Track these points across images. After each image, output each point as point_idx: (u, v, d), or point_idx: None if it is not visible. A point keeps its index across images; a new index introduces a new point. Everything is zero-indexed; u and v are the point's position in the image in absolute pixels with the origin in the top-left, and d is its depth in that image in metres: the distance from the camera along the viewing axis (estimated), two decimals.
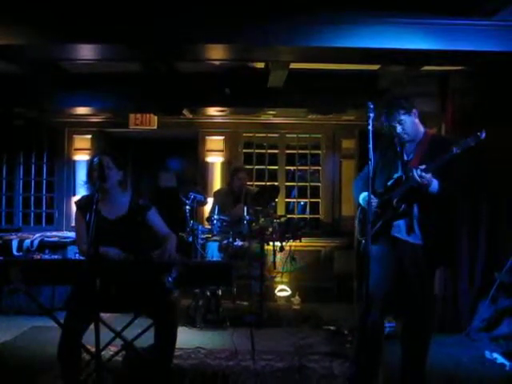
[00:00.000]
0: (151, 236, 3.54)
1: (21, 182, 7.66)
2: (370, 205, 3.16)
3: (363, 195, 3.55)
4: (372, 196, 3.31)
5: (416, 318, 3.46)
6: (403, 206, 3.37)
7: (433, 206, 3.33)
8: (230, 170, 6.79)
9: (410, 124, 3.40)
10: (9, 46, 3.76)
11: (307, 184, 7.86)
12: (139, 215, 3.47)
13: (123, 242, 3.32)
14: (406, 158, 3.48)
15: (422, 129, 3.49)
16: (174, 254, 3.34)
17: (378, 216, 3.44)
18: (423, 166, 3.23)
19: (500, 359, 4.44)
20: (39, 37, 3.75)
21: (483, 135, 3.09)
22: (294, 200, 7.89)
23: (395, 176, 3.43)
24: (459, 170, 3.29)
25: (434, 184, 3.24)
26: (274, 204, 6.18)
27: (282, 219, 6.38)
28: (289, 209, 7.85)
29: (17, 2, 3.63)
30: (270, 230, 5.94)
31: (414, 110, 3.42)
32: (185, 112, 6.81)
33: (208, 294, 5.50)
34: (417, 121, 3.46)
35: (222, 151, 7.64)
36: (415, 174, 3.20)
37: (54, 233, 6.75)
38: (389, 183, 3.46)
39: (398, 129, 3.39)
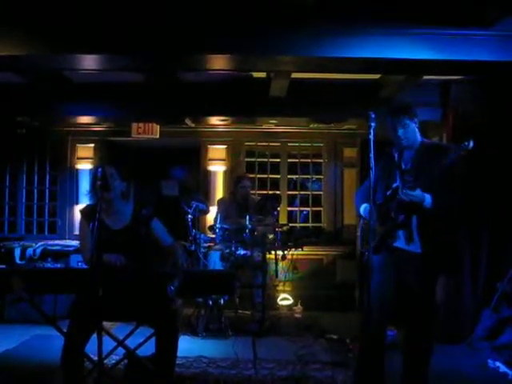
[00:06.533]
0: (154, 246, 3.55)
1: (24, 190, 7.69)
2: (371, 216, 3.17)
3: (363, 206, 3.59)
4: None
5: (417, 327, 3.45)
6: (401, 217, 3.40)
7: (432, 215, 3.33)
8: (234, 178, 6.81)
9: (411, 130, 3.44)
10: (12, 56, 3.79)
11: (309, 193, 7.88)
12: (143, 226, 3.48)
13: (126, 252, 3.33)
14: (403, 166, 3.50)
15: (419, 138, 3.53)
16: (185, 267, 3.35)
17: (379, 227, 3.46)
18: (398, 182, 3.30)
19: (503, 368, 4.43)
20: (42, 47, 3.77)
21: (471, 144, 3.08)
22: (297, 209, 7.91)
23: (393, 186, 3.44)
24: (455, 181, 3.31)
25: (427, 199, 3.27)
26: (276, 213, 6.19)
27: (284, 228, 6.39)
28: (291, 217, 7.86)
29: (19, 12, 3.67)
30: (272, 238, 5.95)
31: (416, 119, 3.48)
32: (187, 121, 6.85)
33: (210, 302, 5.50)
34: (417, 130, 3.50)
35: (224, 160, 7.67)
36: (401, 195, 3.27)
37: (57, 241, 6.75)
38: (388, 193, 3.47)
39: (400, 132, 3.42)
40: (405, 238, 3.42)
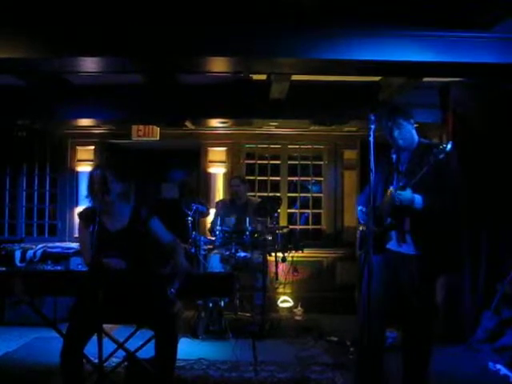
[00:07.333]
0: (155, 247, 3.54)
1: (24, 193, 7.68)
2: (370, 218, 3.18)
3: (359, 209, 3.65)
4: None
5: (416, 329, 3.45)
6: (389, 219, 3.41)
7: (425, 216, 3.32)
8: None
9: (407, 131, 3.46)
10: (12, 59, 3.79)
11: (309, 195, 7.88)
12: (142, 226, 3.46)
13: (126, 254, 3.33)
14: (400, 168, 3.51)
15: (416, 138, 3.54)
16: (186, 266, 3.30)
17: (375, 229, 3.46)
18: (395, 184, 3.33)
19: (503, 370, 4.42)
20: (42, 50, 3.77)
21: (449, 147, 3.11)
22: (297, 211, 7.91)
23: (390, 188, 3.45)
24: (446, 181, 3.31)
25: (418, 200, 3.27)
26: (276, 215, 6.18)
27: (285, 230, 6.39)
28: (291, 219, 7.86)
29: (19, 15, 3.67)
30: (272, 240, 5.95)
31: (412, 120, 3.50)
32: (187, 123, 6.84)
33: (210, 305, 5.50)
34: (413, 131, 3.52)
35: (225, 162, 7.67)
36: (392, 196, 3.29)
37: (57, 244, 6.74)
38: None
39: (396, 132, 3.43)
40: (397, 239, 3.44)
